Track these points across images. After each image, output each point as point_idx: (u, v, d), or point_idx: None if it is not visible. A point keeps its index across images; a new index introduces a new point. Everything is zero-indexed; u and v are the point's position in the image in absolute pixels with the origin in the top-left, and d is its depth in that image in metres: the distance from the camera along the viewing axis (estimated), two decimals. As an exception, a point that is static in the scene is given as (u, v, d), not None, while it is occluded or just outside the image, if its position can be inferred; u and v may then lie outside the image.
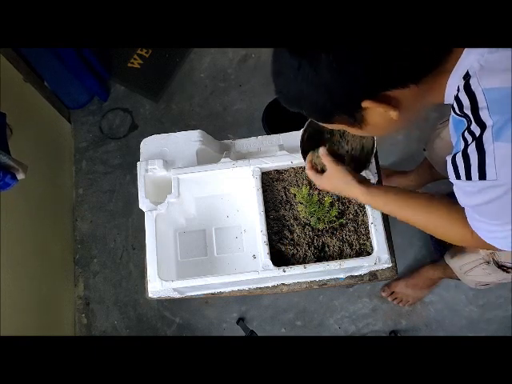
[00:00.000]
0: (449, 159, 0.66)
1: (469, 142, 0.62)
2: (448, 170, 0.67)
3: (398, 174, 1.72)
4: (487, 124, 0.58)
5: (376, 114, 0.68)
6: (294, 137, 1.19)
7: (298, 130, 1.16)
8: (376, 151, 1.11)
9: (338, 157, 1.00)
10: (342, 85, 0.63)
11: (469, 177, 0.62)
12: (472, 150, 0.61)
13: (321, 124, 0.77)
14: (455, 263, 1.37)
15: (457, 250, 1.37)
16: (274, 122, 1.68)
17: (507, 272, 1.17)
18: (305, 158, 1.02)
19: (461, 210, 0.76)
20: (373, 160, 1.02)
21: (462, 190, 0.67)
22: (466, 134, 0.62)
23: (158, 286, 1.01)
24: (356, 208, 1.09)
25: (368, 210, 1.04)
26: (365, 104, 0.65)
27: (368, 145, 1.03)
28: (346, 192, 0.95)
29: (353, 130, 0.75)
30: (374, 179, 1.06)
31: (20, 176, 1.14)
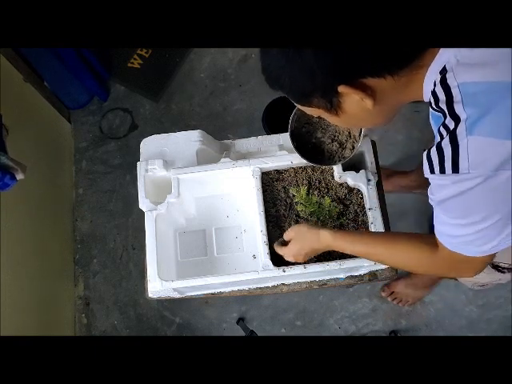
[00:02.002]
0: (424, 154, 0.67)
1: (444, 136, 0.62)
2: (423, 165, 0.67)
3: (398, 174, 1.72)
4: (461, 118, 0.59)
5: (352, 101, 0.69)
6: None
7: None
8: (376, 155, 1.12)
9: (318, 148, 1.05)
10: (320, 66, 0.64)
11: (442, 170, 0.62)
12: (446, 144, 0.61)
13: (300, 107, 0.77)
14: None
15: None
16: (274, 122, 1.68)
17: (502, 272, 1.17)
18: (293, 140, 1.04)
19: (422, 237, 0.81)
20: (359, 145, 1.02)
21: (435, 183, 0.67)
22: (441, 128, 0.63)
23: (157, 286, 1.01)
24: (356, 208, 1.09)
25: (368, 210, 1.04)
26: (341, 89, 0.66)
27: (355, 132, 1.03)
28: (314, 241, 0.92)
29: (330, 118, 0.76)
30: (374, 179, 1.06)
31: (19, 176, 1.14)
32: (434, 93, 0.65)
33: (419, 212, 1.75)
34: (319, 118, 1.06)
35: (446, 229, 0.71)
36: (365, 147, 1.10)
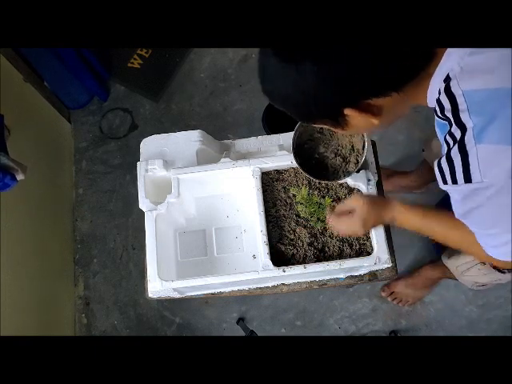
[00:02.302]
0: (435, 164, 0.67)
1: (451, 146, 0.62)
2: (436, 176, 0.67)
3: (398, 175, 1.72)
4: (467, 126, 0.59)
5: (358, 119, 0.69)
6: (294, 137, 1.19)
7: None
8: (376, 155, 1.12)
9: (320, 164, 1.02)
10: (324, 92, 0.63)
11: (455, 181, 0.62)
12: (455, 154, 0.61)
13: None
14: (452, 264, 1.37)
15: (453, 251, 1.38)
16: (274, 122, 1.68)
17: (503, 273, 1.17)
18: (296, 157, 1.03)
19: None
20: (363, 159, 1.02)
21: (453, 197, 0.67)
22: (448, 137, 0.63)
23: (157, 286, 1.01)
24: (356, 208, 1.09)
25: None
26: (347, 112, 0.66)
27: (358, 145, 1.03)
28: (382, 212, 0.89)
29: (336, 130, 0.76)
30: (374, 179, 1.06)
31: (19, 177, 1.14)
32: (438, 101, 0.64)
33: (419, 212, 1.75)
34: (321, 133, 1.06)
35: (483, 239, 0.70)
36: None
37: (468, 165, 0.59)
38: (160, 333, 1.75)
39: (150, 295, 1.09)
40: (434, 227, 0.85)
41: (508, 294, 1.65)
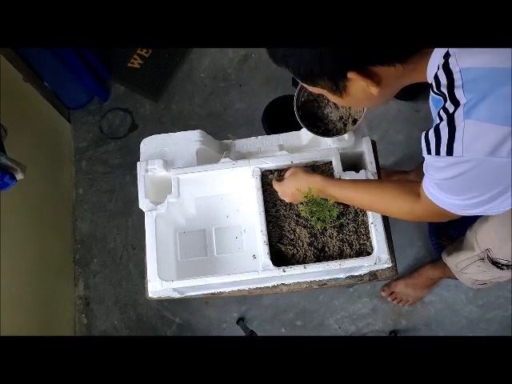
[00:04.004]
0: (423, 134, 0.68)
1: (443, 119, 0.63)
2: (421, 145, 0.69)
3: (398, 174, 1.72)
4: (461, 102, 0.60)
5: (358, 86, 0.71)
6: (294, 137, 1.19)
7: (298, 130, 1.16)
8: (376, 154, 1.12)
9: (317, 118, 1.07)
10: (335, 53, 0.65)
11: (438, 152, 0.64)
12: (443, 126, 0.62)
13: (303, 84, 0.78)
14: (451, 261, 1.38)
15: (453, 248, 1.38)
16: (274, 121, 1.68)
17: (501, 269, 1.17)
18: (298, 116, 1.05)
19: (406, 186, 0.86)
20: (361, 118, 1.03)
21: (431, 164, 0.69)
22: (441, 111, 0.64)
23: (157, 286, 1.01)
24: (356, 208, 1.09)
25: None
26: (350, 75, 0.68)
27: (355, 115, 1.05)
28: (304, 183, 0.99)
29: (332, 97, 0.78)
30: (373, 178, 1.06)
31: (19, 176, 1.14)
32: (436, 76, 0.66)
33: (419, 212, 1.75)
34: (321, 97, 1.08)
35: (438, 195, 0.74)
36: (365, 147, 1.10)
37: (453, 138, 0.61)
38: (160, 333, 1.75)
39: (150, 295, 1.09)
40: (363, 193, 0.93)
41: (508, 293, 1.65)
